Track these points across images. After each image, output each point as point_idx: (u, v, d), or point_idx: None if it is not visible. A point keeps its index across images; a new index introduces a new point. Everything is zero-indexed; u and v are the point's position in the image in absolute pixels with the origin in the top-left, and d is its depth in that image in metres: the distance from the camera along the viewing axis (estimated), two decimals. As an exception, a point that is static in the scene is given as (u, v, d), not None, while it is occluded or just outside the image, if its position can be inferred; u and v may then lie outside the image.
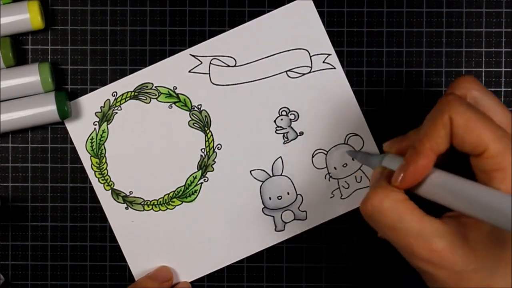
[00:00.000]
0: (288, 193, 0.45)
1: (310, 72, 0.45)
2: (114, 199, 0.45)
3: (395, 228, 0.33)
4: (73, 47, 0.45)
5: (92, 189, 0.45)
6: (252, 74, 0.45)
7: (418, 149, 0.33)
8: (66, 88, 0.45)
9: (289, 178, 0.45)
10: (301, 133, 0.45)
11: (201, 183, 0.45)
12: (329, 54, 0.45)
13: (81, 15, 0.45)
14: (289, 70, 0.45)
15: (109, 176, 0.45)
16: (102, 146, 0.45)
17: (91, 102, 0.45)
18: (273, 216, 0.45)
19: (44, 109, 0.43)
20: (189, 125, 0.45)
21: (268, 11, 0.45)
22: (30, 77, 0.43)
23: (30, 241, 0.45)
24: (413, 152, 0.33)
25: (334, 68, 0.45)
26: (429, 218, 0.33)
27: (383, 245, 0.46)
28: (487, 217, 0.30)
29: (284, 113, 0.45)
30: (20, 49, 0.45)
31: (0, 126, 0.43)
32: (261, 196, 0.45)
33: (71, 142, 0.45)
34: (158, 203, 0.45)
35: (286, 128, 0.45)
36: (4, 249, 0.45)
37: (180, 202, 0.45)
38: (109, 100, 0.45)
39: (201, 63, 0.45)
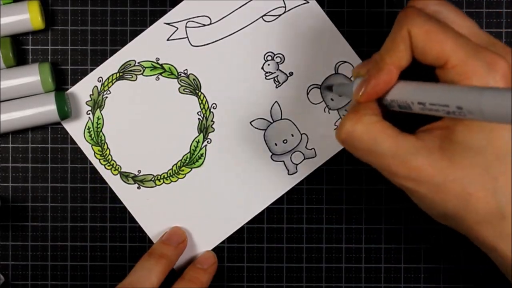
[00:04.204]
0: (292, 135, 0.45)
1: (285, 12, 0.45)
2: (124, 182, 0.45)
3: (371, 151, 0.33)
4: (73, 47, 0.45)
5: (92, 189, 0.45)
6: (229, 28, 0.45)
7: (379, 64, 0.33)
8: (66, 88, 0.45)
9: (290, 120, 0.45)
10: (291, 74, 0.45)
11: (205, 145, 0.45)
12: None
13: (81, 15, 0.45)
14: (264, 15, 0.45)
15: (114, 161, 0.45)
16: (100, 133, 0.45)
17: (79, 92, 0.45)
18: (283, 161, 0.45)
19: (44, 109, 0.43)
20: (179, 91, 0.45)
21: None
22: (30, 77, 0.43)
23: (30, 241, 0.45)
24: (375, 67, 0.33)
25: (308, 2, 0.45)
26: (404, 135, 0.33)
27: (383, 246, 0.46)
28: (465, 105, 0.29)
29: (269, 58, 0.45)
30: (20, 49, 0.45)
31: (0, 126, 0.43)
32: (266, 144, 0.45)
33: (71, 142, 0.45)
34: (168, 175, 0.45)
35: (275, 72, 0.45)
36: (4, 249, 0.45)
37: (190, 169, 0.45)
38: (96, 86, 0.45)
39: (177, 29, 0.45)
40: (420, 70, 0.34)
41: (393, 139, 0.32)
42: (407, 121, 0.34)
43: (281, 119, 0.45)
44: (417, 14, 0.32)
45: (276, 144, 0.45)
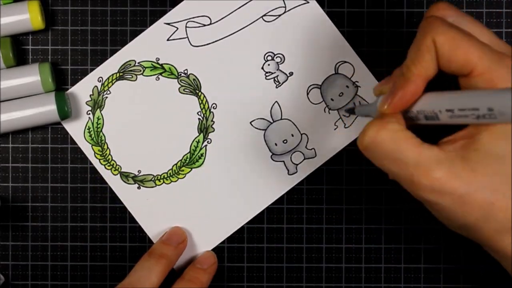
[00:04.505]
0: (292, 135, 0.45)
1: (285, 12, 0.45)
2: (124, 182, 0.45)
3: (393, 159, 0.33)
4: (73, 47, 0.45)
5: (92, 189, 0.45)
6: (229, 28, 0.45)
7: (405, 75, 0.33)
8: (66, 88, 0.45)
9: (290, 120, 0.45)
10: (291, 74, 0.45)
11: (205, 145, 0.45)
12: None
13: (81, 15, 0.45)
14: (264, 15, 0.45)
15: (114, 161, 0.45)
16: (100, 133, 0.45)
17: (79, 92, 0.45)
18: (283, 161, 0.45)
19: (44, 109, 0.43)
20: (179, 91, 0.45)
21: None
22: (30, 77, 0.43)
23: (30, 241, 0.45)
24: (402, 78, 0.33)
25: (308, 2, 0.45)
26: (427, 145, 0.32)
27: (383, 246, 0.46)
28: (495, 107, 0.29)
29: (269, 58, 0.45)
30: (20, 49, 0.45)
31: (0, 126, 0.43)
32: (266, 144, 0.45)
33: (71, 142, 0.45)
34: (168, 175, 0.45)
35: (275, 72, 0.45)
36: (4, 249, 0.45)
37: (190, 169, 0.45)
38: (96, 86, 0.45)
39: (177, 29, 0.45)
40: (440, 81, 0.34)
41: (417, 148, 0.32)
42: (427, 135, 0.34)
43: (281, 119, 0.45)
44: (441, 23, 0.32)
45: (276, 144, 0.45)
